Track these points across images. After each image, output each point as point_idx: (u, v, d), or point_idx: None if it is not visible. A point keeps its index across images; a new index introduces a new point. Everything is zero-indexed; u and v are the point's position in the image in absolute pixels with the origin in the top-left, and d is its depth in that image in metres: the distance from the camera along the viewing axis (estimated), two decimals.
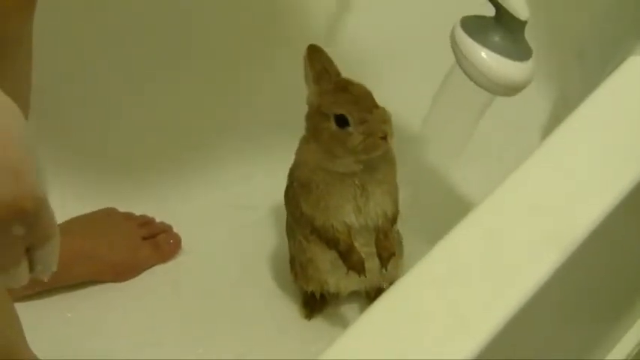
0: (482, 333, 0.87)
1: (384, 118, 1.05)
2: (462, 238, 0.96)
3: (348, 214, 1.12)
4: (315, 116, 1.09)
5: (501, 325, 0.88)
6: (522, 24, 1.00)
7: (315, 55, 1.09)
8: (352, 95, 1.06)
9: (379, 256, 1.14)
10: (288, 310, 1.30)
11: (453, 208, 1.19)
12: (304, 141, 1.13)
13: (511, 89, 1.02)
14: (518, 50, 1.01)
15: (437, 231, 0.96)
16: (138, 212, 1.39)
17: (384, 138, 1.04)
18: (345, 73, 1.11)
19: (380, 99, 1.08)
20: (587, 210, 0.97)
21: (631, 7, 1.26)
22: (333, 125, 1.06)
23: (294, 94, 1.11)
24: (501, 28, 1.00)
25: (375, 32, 1.58)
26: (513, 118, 1.47)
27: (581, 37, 1.45)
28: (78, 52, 1.41)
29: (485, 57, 1.01)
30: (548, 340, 1.08)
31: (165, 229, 1.38)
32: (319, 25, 1.58)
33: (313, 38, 1.13)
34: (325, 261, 1.17)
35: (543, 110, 1.47)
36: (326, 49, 1.11)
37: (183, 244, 1.38)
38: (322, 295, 1.26)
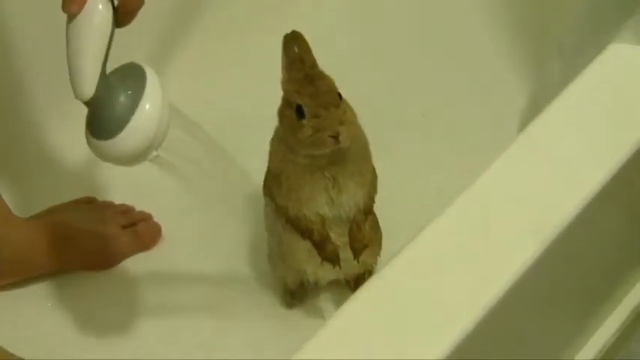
0: (463, 322, 0.88)
1: (342, 118, 1.04)
2: (443, 229, 0.97)
3: (320, 205, 1.11)
4: (282, 103, 1.09)
5: (483, 314, 0.89)
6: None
7: (292, 43, 1.09)
8: (315, 89, 1.05)
9: (352, 248, 1.14)
10: (269, 299, 1.30)
11: (434, 200, 1.19)
12: (276, 129, 1.13)
13: (122, 162, 0.94)
14: (106, 129, 0.91)
15: (418, 222, 0.97)
16: (117, 201, 1.39)
17: (335, 137, 1.04)
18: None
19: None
20: (567, 200, 0.98)
21: None
22: (292, 114, 1.06)
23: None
24: (90, 111, 0.92)
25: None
26: (493, 110, 1.48)
27: (559, 27, 1.45)
28: None
29: (87, 142, 0.94)
30: (528, 330, 1.09)
31: (145, 218, 1.38)
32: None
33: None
34: (302, 250, 1.16)
35: (523, 101, 1.48)
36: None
37: (163, 232, 1.38)
38: (302, 284, 1.26)
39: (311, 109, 1.05)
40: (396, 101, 1.51)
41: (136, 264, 1.36)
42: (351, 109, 1.09)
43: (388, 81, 1.54)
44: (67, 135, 1.39)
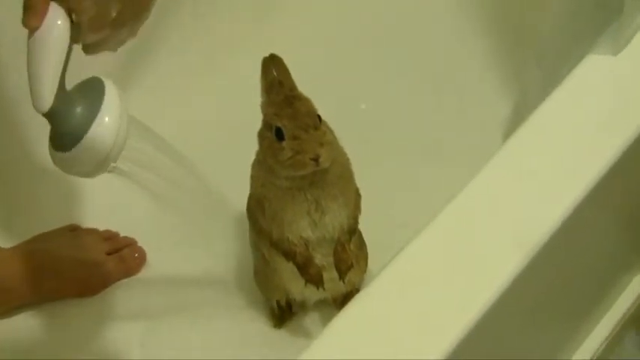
0: (451, 336, 0.88)
1: (322, 140, 1.05)
2: (428, 242, 0.96)
3: (303, 228, 1.12)
4: (262, 126, 1.10)
5: (471, 326, 0.89)
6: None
7: (270, 66, 1.10)
8: (294, 111, 1.06)
9: (337, 269, 1.14)
10: (256, 320, 1.29)
11: (418, 212, 1.18)
12: (257, 153, 1.13)
13: (82, 174, 0.95)
14: (64, 141, 0.92)
15: (403, 237, 0.97)
16: (101, 228, 1.38)
17: (316, 160, 1.04)
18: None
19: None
20: (550, 210, 0.98)
21: (589, 6, 1.26)
22: (272, 136, 1.07)
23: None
24: (50, 124, 0.93)
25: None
26: (475, 121, 1.48)
27: (540, 37, 1.46)
28: None
29: (50, 154, 0.95)
30: (516, 339, 1.09)
31: (130, 243, 1.37)
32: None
33: None
34: (287, 271, 1.17)
35: (505, 111, 1.48)
36: None
37: (148, 257, 1.38)
38: (288, 304, 1.27)
39: (290, 131, 1.05)
40: (375, 117, 1.51)
41: (121, 290, 1.35)
42: (331, 130, 1.10)
43: (368, 96, 1.55)
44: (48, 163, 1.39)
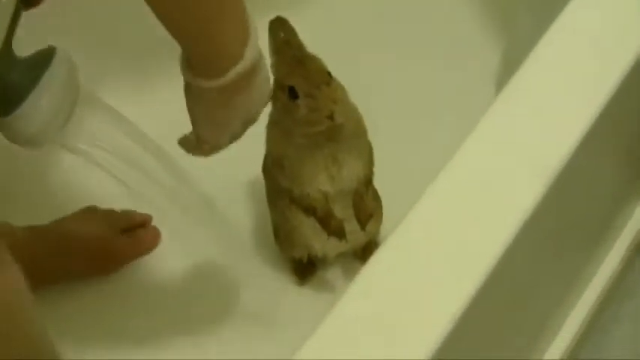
0: (482, 266, 0.91)
1: (334, 96, 1.08)
2: (447, 184, 0.99)
3: (322, 182, 1.14)
4: (274, 87, 1.11)
5: (499, 255, 0.92)
6: None
7: (278, 27, 1.12)
8: (306, 69, 1.09)
9: (357, 219, 1.17)
10: (279, 280, 1.31)
11: (425, 163, 1.20)
12: (270, 114, 1.15)
13: (23, 141, 0.94)
14: (5, 106, 0.91)
15: (416, 186, 0.99)
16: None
17: (330, 116, 1.07)
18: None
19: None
20: (561, 142, 1.01)
21: None
22: (285, 96, 1.09)
23: None
24: None
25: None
26: (468, 72, 1.51)
27: None
28: None
29: None
30: (538, 271, 1.12)
31: (145, 221, 1.38)
32: None
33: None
34: (308, 226, 1.19)
35: (495, 59, 1.50)
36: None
37: (162, 234, 1.38)
38: (310, 260, 1.28)
39: (304, 89, 1.08)
40: (374, 76, 1.52)
41: (137, 268, 1.36)
42: (342, 87, 1.12)
43: (362, 60, 1.56)
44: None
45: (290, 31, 1.12)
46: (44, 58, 0.93)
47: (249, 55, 0.94)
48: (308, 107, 1.07)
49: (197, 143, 1.06)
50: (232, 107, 1.00)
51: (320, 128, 1.09)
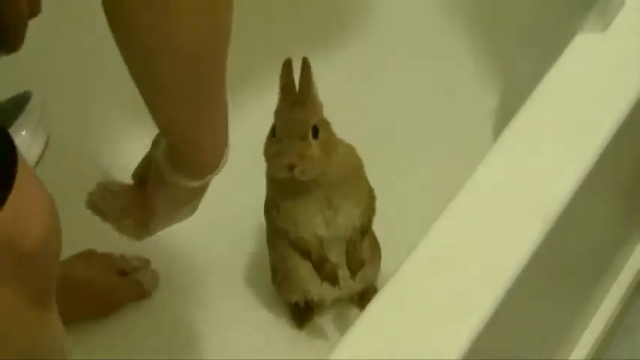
0: (483, 309, 0.91)
1: (303, 152, 1.07)
2: (446, 229, 1.00)
3: (317, 226, 1.15)
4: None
5: (501, 296, 0.92)
6: None
7: (288, 68, 1.11)
8: (291, 116, 1.09)
9: (348, 267, 1.17)
10: (277, 324, 1.31)
11: (424, 206, 1.20)
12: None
13: None
14: None
15: (417, 231, 1.00)
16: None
17: (290, 168, 1.07)
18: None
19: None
20: (562, 183, 1.01)
21: None
22: (271, 131, 1.11)
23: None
24: None
25: None
26: (463, 118, 1.50)
27: (524, 21, 1.50)
28: None
29: None
30: (537, 314, 1.11)
31: (144, 265, 1.38)
32: None
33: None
34: (305, 269, 1.19)
35: (493, 102, 1.51)
36: None
37: (161, 277, 1.38)
38: (307, 304, 1.28)
39: (279, 132, 1.09)
40: (368, 117, 1.54)
41: (135, 311, 1.35)
42: (334, 141, 1.12)
43: (360, 95, 1.57)
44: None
45: (304, 73, 1.10)
46: (19, 103, 0.95)
47: (222, 164, 0.97)
48: (275, 150, 1.09)
49: (139, 229, 1.08)
50: (192, 205, 1.05)
51: (280, 176, 1.09)
